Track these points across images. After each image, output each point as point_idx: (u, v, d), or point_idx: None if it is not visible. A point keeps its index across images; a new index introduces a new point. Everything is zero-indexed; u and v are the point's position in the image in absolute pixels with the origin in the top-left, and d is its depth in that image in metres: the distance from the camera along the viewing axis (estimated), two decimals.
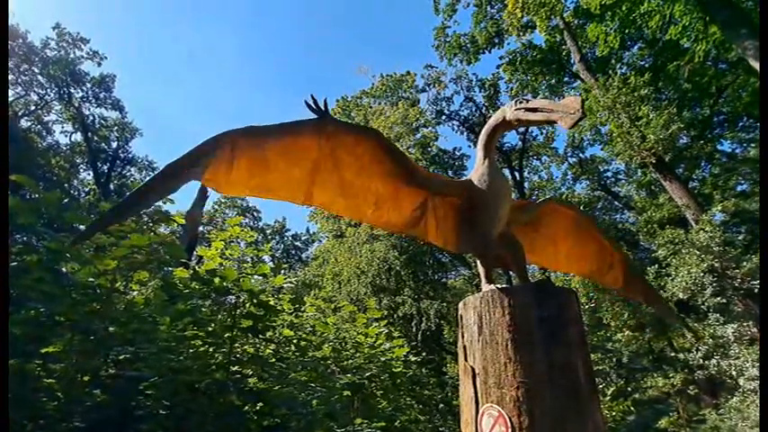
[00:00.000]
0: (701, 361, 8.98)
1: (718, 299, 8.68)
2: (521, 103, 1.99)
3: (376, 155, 1.99)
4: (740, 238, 9.99)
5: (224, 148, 1.71)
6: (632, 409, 11.66)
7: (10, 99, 20.79)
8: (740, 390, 8.19)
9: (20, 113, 21.71)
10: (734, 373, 8.19)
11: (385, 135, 2.11)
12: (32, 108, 22.67)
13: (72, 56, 22.16)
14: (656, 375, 11.99)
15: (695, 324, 9.80)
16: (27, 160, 16.52)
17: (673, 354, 11.97)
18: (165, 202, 3.80)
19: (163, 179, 1.64)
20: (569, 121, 1.71)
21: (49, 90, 22.43)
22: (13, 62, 20.34)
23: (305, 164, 1.87)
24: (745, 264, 8.65)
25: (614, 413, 10.83)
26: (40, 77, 21.79)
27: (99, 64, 22.88)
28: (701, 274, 8.81)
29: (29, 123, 22.60)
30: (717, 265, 8.79)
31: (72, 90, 22.69)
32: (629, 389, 12.20)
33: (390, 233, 16.80)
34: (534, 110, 1.91)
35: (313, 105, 1.87)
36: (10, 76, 20.51)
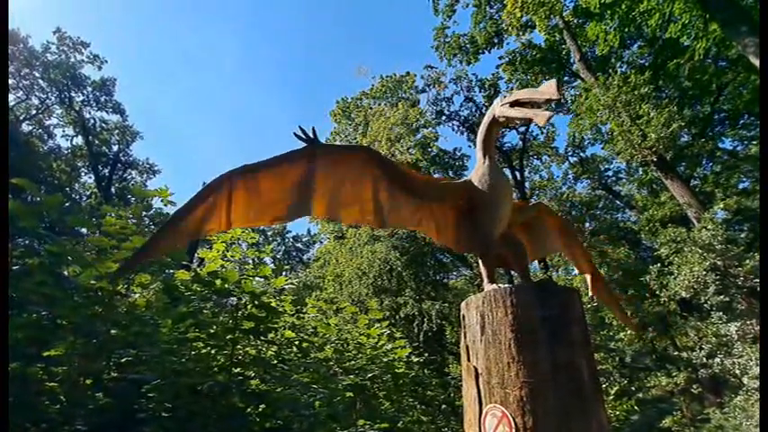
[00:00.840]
0: (705, 360, 8.94)
1: (721, 297, 8.64)
2: (506, 98, 2.02)
3: (367, 170, 2.03)
4: (742, 235, 9.95)
5: (222, 191, 1.80)
6: (636, 408, 11.63)
7: (11, 103, 20.87)
8: (744, 388, 8.15)
9: (21, 118, 21.79)
10: (738, 371, 8.15)
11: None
12: (34, 112, 22.76)
13: (73, 60, 22.27)
14: (659, 374, 11.95)
15: (698, 323, 9.77)
16: (29, 164, 16.56)
17: (676, 353, 11.94)
18: (165, 205, 3.81)
19: (166, 234, 1.76)
20: (542, 119, 1.79)
21: (50, 94, 22.53)
22: (14, 67, 20.43)
23: (299, 188, 1.93)
24: (747, 261, 8.62)
25: (618, 413, 10.81)
26: (41, 82, 21.89)
27: (99, 68, 23.00)
28: (704, 273, 8.78)
29: (30, 127, 22.69)
30: (719, 263, 8.76)
31: (73, 94, 22.78)
32: (633, 388, 12.17)
33: (391, 234, 16.82)
34: (515, 103, 1.96)
35: (302, 135, 1.94)
36: (11, 81, 20.60)
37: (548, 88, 1.80)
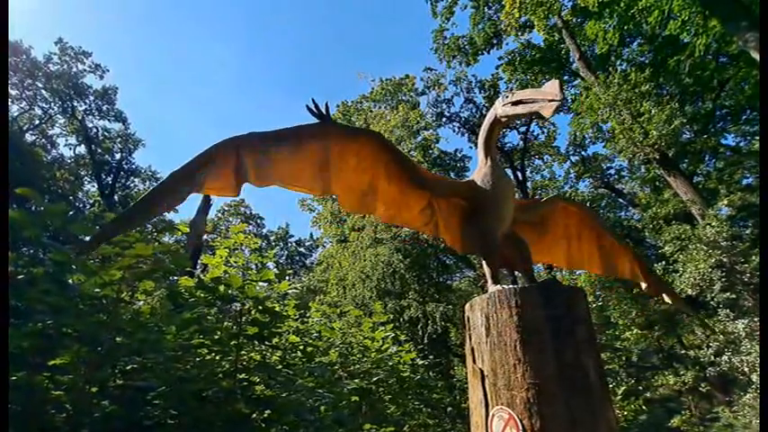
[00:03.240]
0: (713, 358, 8.84)
1: (728, 294, 8.57)
2: (506, 97, 2.01)
3: (378, 156, 2.01)
4: (747, 232, 9.85)
5: (227, 155, 1.71)
6: (644, 408, 11.51)
7: (15, 114, 21.05)
8: (753, 386, 8.07)
9: (25, 128, 21.96)
10: (746, 369, 8.06)
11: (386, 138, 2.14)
12: (37, 122, 22.94)
13: (74, 70, 22.46)
14: (666, 373, 11.83)
15: (705, 320, 9.67)
16: (32, 174, 16.68)
17: (683, 351, 11.83)
18: (168, 212, 3.81)
19: (163, 191, 1.66)
20: (548, 109, 1.78)
21: (52, 104, 22.70)
22: (17, 77, 20.61)
23: (312, 166, 1.88)
24: (753, 258, 8.55)
25: (626, 413, 10.69)
26: (43, 92, 22.08)
27: (101, 77, 23.19)
28: (709, 270, 8.71)
29: (34, 137, 22.86)
30: (725, 260, 8.69)
31: (75, 103, 22.95)
32: (640, 388, 12.04)
33: (394, 237, 16.79)
34: (518, 102, 1.94)
35: (314, 110, 1.88)
36: (14, 92, 20.79)
37: (550, 89, 1.79)
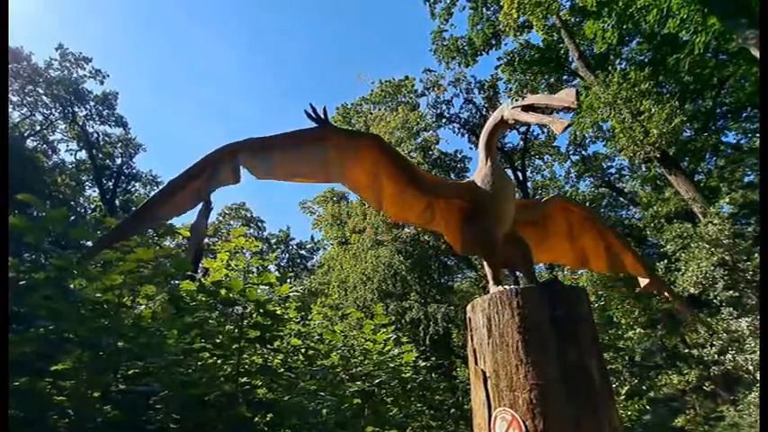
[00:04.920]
0: (716, 356, 8.81)
1: (731, 292, 8.53)
2: (517, 101, 1.99)
3: (378, 159, 2.02)
4: (749, 229, 9.83)
5: (224, 160, 1.74)
6: (648, 407, 11.45)
7: (16, 120, 21.14)
8: (758, 385, 8.03)
9: (26, 134, 22.04)
10: (750, 367, 8.02)
11: (386, 140, 2.15)
12: (38, 128, 23.03)
13: (75, 75, 22.56)
14: (670, 373, 11.79)
15: (708, 319, 9.64)
16: (34, 180, 16.73)
17: (686, 350, 11.77)
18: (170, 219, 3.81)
19: (163, 197, 1.69)
20: (560, 126, 1.75)
21: (53, 110, 22.80)
22: (18, 84, 20.71)
23: (313, 169, 1.89)
24: (756, 255, 8.51)
25: (629, 413, 10.63)
26: (44, 98, 22.17)
27: (101, 82, 23.28)
28: (712, 268, 8.68)
29: (35, 143, 22.95)
30: (727, 258, 8.66)
31: (76, 109, 23.05)
32: (644, 387, 11.99)
33: (395, 238, 16.79)
34: (529, 107, 1.92)
35: (313, 115, 1.89)
36: (15, 98, 20.89)
37: (567, 96, 1.75)
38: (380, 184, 2.03)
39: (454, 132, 21.00)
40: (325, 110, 1.92)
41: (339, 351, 4.77)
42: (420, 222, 2.22)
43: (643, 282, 2.74)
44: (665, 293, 2.97)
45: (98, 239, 1.97)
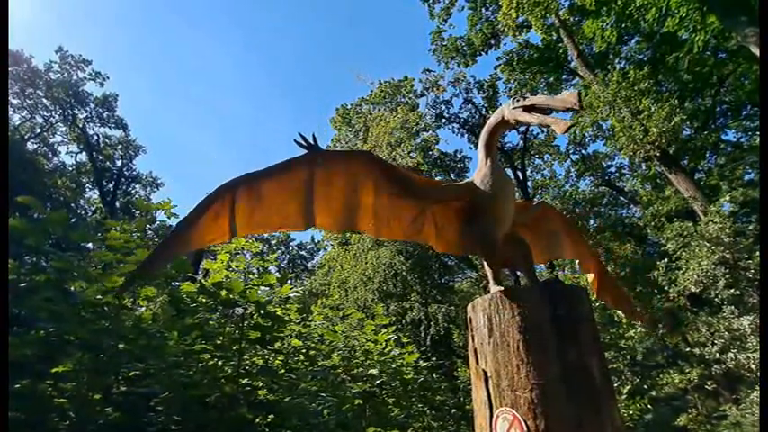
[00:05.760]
0: (718, 355, 8.78)
1: (732, 291, 8.51)
2: (518, 101, 1.98)
3: (368, 173, 2.04)
4: (750, 228, 9.80)
5: (224, 201, 1.80)
6: (649, 406, 11.43)
7: (16, 123, 21.16)
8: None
9: (26, 137, 22.06)
10: (753, 366, 8.01)
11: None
12: (38, 131, 23.05)
13: (75, 78, 22.58)
14: (671, 372, 11.76)
15: (710, 317, 9.62)
16: (34, 182, 16.74)
17: (688, 349, 11.74)
18: (169, 217, 3.82)
19: (170, 245, 1.78)
20: (562, 126, 1.74)
21: (53, 112, 22.83)
22: (18, 86, 20.73)
23: (301, 195, 1.93)
24: (757, 254, 8.50)
25: (631, 412, 10.62)
26: (44, 100, 22.19)
27: (101, 84, 23.30)
28: (713, 267, 8.66)
29: (35, 146, 22.97)
30: (728, 256, 8.64)
31: (76, 111, 23.07)
32: (645, 386, 11.96)
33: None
34: (531, 107, 1.92)
35: (303, 143, 1.95)
36: (15, 101, 20.91)
37: (570, 97, 1.73)
38: (362, 201, 2.04)
39: (454, 132, 21.01)
40: (314, 136, 2.00)
41: (340, 352, 4.77)
42: (407, 235, 2.19)
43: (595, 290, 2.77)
44: (622, 309, 3.05)
45: (131, 273, 2.14)
